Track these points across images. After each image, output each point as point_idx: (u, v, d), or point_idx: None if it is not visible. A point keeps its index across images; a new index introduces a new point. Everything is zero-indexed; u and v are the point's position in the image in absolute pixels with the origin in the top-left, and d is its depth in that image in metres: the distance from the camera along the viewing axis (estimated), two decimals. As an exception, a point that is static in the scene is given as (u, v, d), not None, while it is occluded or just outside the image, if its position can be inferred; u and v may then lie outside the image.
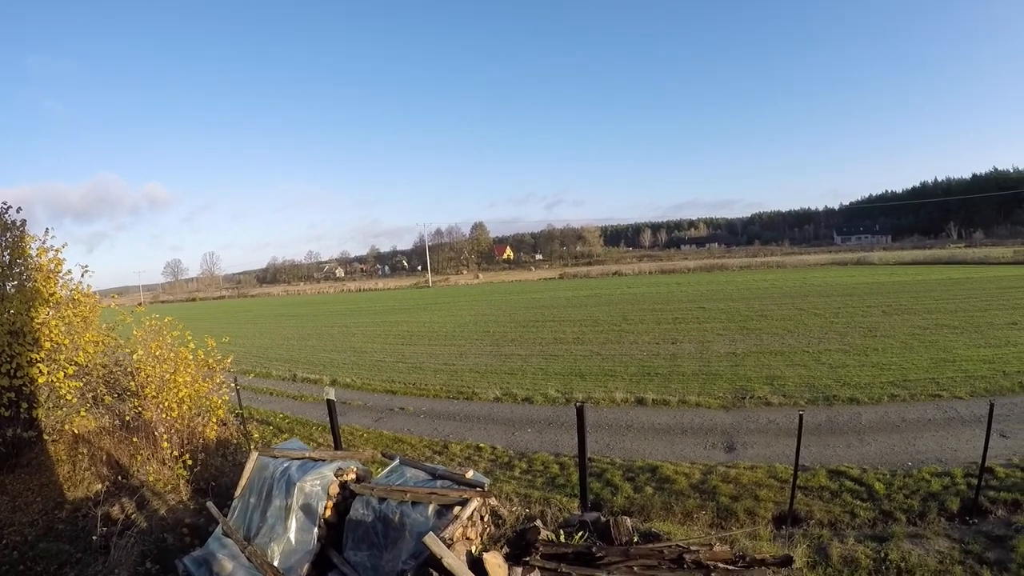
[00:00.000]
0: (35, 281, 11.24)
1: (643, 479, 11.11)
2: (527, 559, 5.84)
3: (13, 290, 11.06)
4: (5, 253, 11.12)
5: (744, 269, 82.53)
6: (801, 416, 8.87)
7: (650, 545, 6.20)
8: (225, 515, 7.88)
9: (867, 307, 31.59)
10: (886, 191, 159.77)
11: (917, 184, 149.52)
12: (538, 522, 6.67)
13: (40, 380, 10.52)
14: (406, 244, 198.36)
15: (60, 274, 11.63)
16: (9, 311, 10.50)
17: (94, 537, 8.53)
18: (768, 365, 19.52)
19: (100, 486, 10.40)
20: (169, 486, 10.49)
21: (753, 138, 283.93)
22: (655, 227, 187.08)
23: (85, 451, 11.24)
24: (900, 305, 31.36)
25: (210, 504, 8.33)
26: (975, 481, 9.34)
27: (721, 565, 5.78)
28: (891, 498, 9.49)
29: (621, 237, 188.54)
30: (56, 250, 11.60)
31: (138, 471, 10.75)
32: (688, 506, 9.61)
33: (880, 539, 8.01)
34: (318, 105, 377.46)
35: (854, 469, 10.70)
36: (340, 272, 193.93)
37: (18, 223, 11.35)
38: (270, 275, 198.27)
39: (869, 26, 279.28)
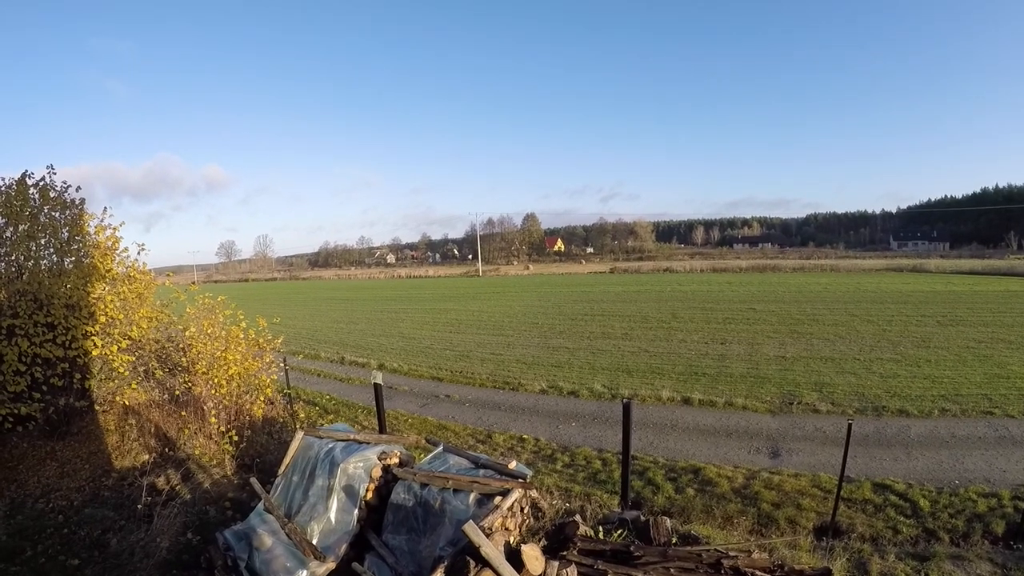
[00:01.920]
0: (92, 257, 11.65)
1: (685, 480, 11.00)
2: (564, 553, 5.82)
3: (71, 265, 11.50)
4: (64, 230, 11.51)
5: (797, 271, 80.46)
6: (850, 425, 8.67)
7: (688, 548, 6.14)
8: (268, 492, 8.04)
9: (921, 316, 30.58)
10: (945, 196, 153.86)
11: (978, 190, 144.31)
12: (577, 517, 6.65)
13: (94, 352, 10.90)
14: (458, 232, 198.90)
15: (117, 251, 12.05)
16: (66, 285, 10.89)
17: (138, 506, 8.82)
18: (818, 371, 19.08)
19: (147, 457, 10.71)
20: (214, 460, 10.75)
21: (813, 137, 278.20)
22: (708, 224, 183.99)
23: (134, 422, 11.60)
24: (955, 316, 30.25)
25: (253, 480, 8.51)
26: (1022, 504, 9.07)
27: (759, 573, 5.68)
28: (935, 516, 9.20)
29: (673, 233, 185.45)
30: (114, 228, 12.02)
31: (185, 444, 11.05)
32: (729, 510, 9.46)
33: (921, 558, 7.79)
34: (376, 90, 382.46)
35: (899, 483, 10.39)
36: (391, 258, 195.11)
37: (77, 202, 11.78)
38: (322, 259, 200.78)
39: (929, 29, 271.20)
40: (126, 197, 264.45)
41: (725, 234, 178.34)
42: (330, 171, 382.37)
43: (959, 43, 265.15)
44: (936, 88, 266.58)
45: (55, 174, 11.44)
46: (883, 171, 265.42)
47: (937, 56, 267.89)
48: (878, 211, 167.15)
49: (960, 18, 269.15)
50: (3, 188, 10.86)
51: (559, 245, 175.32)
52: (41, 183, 11.27)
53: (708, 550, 6.00)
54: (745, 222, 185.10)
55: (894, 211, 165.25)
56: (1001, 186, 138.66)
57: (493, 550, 5.34)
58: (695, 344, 25.09)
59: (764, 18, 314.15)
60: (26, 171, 11.18)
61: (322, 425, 11.00)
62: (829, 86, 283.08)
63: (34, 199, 11.18)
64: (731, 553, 5.93)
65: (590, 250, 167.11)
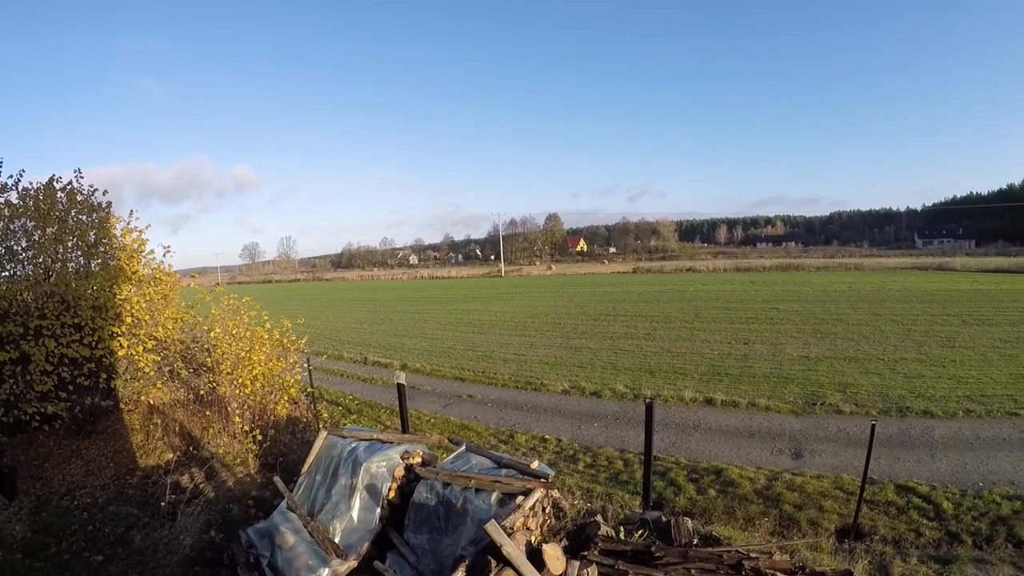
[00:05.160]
0: (119, 259, 11.84)
1: (707, 481, 10.97)
2: (585, 553, 5.84)
3: (97, 267, 11.68)
4: (91, 233, 11.69)
5: (821, 270, 79.44)
6: (873, 426, 8.60)
7: (709, 549, 6.12)
8: (291, 490, 8.13)
9: (947, 315, 30.13)
10: (971, 192, 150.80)
11: (1004, 186, 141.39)
12: (599, 517, 6.67)
13: (120, 353, 11.07)
14: (480, 233, 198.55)
15: (143, 253, 12.25)
16: (93, 287, 11.05)
17: (162, 503, 8.92)
18: (841, 371, 18.92)
19: (171, 455, 10.85)
20: (238, 459, 10.88)
21: (842, 134, 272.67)
22: (731, 223, 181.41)
23: (159, 422, 11.75)
24: (981, 315, 29.78)
25: (277, 479, 8.60)
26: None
27: (780, 575, 5.67)
28: (959, 519, 9.09)
29: (696, 232, 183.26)
30: (140, 231, 12.24)
31: (209, 443, 11.18)
32: (751, 512, 9.43)
33: (944, 561, 7.72)
34: (409, 90, 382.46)
35: (923, 485, 10.27)
36: (414, 259, 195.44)
37: (103, 204, 11.97)
38: (345, 260, 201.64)
39: (957, 24, 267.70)
40: (155, 199, 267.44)
41: (748, 233, 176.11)
42: (360, 172, 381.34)
43: (985, 38, 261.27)
44: (964, 83, 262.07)
45: (82, 177, 11.64)
46: (912, 168, 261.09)
47: (964, 51, 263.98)
48: (903, 208, 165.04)
49: (984, 14, 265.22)
50: (32, 192, 11.05)
51: (581, 245, 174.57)
52: (68, 187, 11.44)
53: (729, 551, 5.97)
54: (768, 221, 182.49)
55: (919, 208, 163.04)
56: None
57: (514, 549, 5.36)
58: (718, 344, 24.96)
59: (793, 15, 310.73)
60: (54, 175, 11.39)
61: (345, 425, 11.10)
62: (859, 82, 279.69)
63: (61, 202, 11.35)
64: (752, 554, 5.90)
65: (613, 250, 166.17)
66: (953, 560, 7.68)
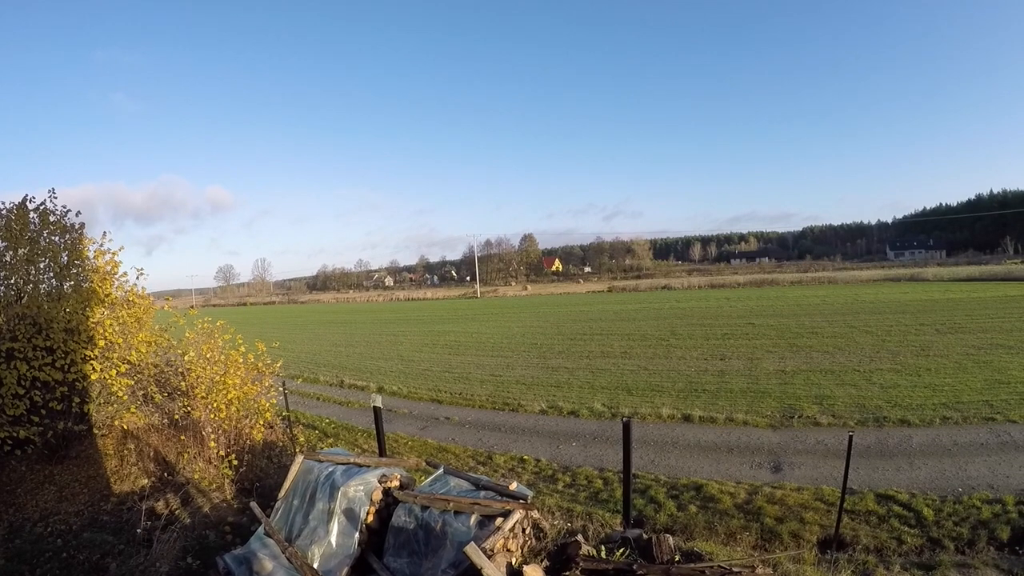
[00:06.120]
0: (91, 282, 11.69)
1: (687, 497, 10.96)
2: (567, 574, 5.79)
3: (70, 290, 11.51)
4: (63, 254, 11.54)
5: (795, 284, 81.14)
6: (851, 437, 8.67)
7: (691, 565, 6.10)
8: (268, 516, 7.98)
9: (920, 325, 30.73)
10: (940, 204, 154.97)
11: (973, 197, 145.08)
12: (579, 537, 6.62)
13: (93, 376, 10.89)
14: (456, 254, 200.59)
15: (116, 276, 12.11)
16: (65, 309, 10.91)
17: (138, 530, 8.75)
18: (818, 384, 19.08)
19: (146, 481, 10.67)
20: (214, 485, 10.71)
21: (813, 150, 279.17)
22: (705, 241, 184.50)
23: (133, 447, 11.56)
24: (954, 323, 30.42)
25: (253, 504, 8.46)
26: (1027, 509, 9.00)
27: (763, 588, 5.67)
28: (939, 525, 9.18)
29: (671, 250, 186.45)
30: (113, 253, 12.09)
31: (184, 468, 11.00)
32: (732, 526, 9.44)
33: (927, 567, 7.80)
34: (384, 111, 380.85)
35: (903, 494, 10.36)
36: (389, 281, 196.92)
37: (76, 226, 11.83)
38: (320, 282, 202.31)
39: (925, 36, 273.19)
40: (129, 219, 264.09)
41: (722, 250, 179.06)
42: (335, 193, 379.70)
43: (950, 51, 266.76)
44: (931, 97, 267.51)
45: (56, 198, 11.52)
46: (883, 181, 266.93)
47: (930, 64, 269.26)
48: (874, 222, 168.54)
49: (952, 26, 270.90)
50: (4, 212, 10.92)
51: (557, 265, 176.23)
52: (41, 207, 11.33)
53: (711, 567, 5.95)
54: (742, 237, 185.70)
55: (890, 221, 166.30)
56: (996, 191, 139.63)
57: (495, 571, 5.31)
58: (694, 360, 25.11)
59: (760, 33, 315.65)
60: (27, 195, 11.27)
61: (322, 449, 10.99)
62: (828, 98, 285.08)
63: (34, 223, 11.24)
64: (735, 569, 5.89)
65: (588, 269, 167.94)
66: (936, 566, 7.77)
